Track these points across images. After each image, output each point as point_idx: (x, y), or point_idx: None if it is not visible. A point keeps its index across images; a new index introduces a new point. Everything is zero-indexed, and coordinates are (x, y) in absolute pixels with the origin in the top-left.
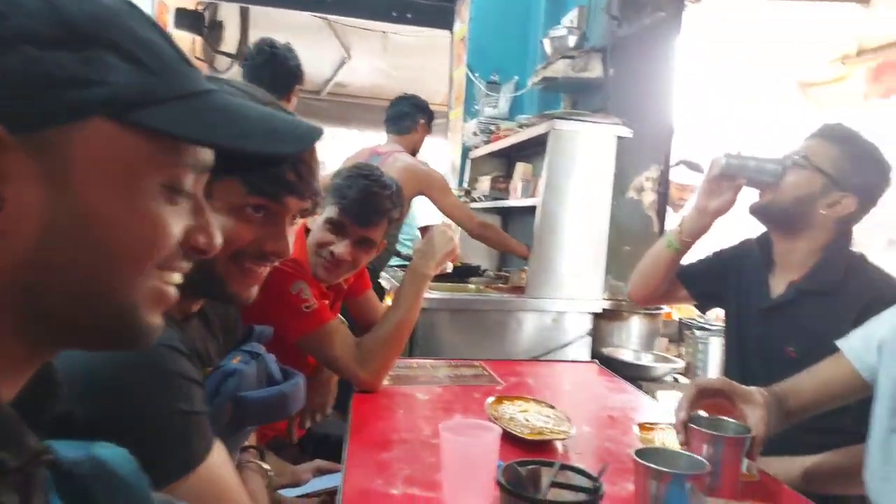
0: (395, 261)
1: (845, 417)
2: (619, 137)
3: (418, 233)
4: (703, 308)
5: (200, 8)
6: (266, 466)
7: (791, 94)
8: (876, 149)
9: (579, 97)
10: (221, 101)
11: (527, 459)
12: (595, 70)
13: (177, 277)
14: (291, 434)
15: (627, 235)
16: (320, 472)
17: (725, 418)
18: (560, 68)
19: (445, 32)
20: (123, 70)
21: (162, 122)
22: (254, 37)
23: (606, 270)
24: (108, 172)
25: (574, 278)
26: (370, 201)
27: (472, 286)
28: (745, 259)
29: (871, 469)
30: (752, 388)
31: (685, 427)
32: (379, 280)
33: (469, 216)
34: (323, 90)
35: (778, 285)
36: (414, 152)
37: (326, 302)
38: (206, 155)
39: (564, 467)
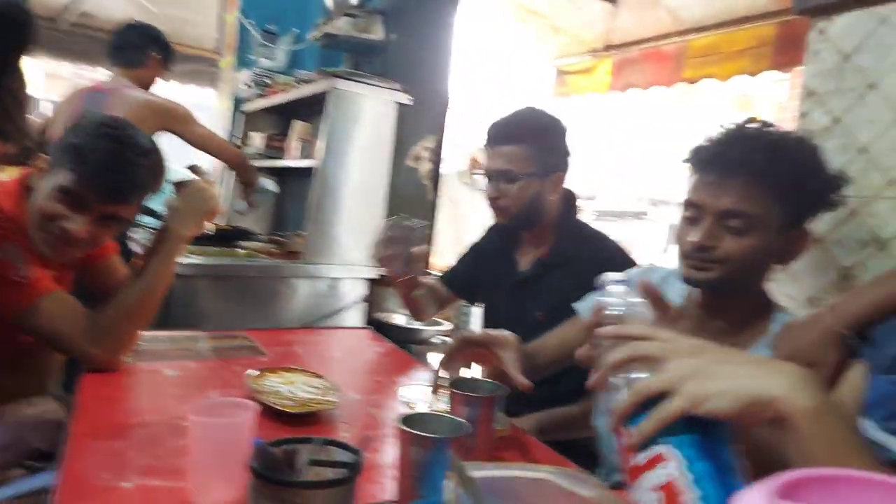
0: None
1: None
2: (400, 104)
3: (171, 188)
4: (474, 302)
5: None
6: None
7: (551, 79)
8: (549, 120)
9: (361, 58)
10: None
11: (282, 438)
12: (377, 32)
13: None
14: None
15: (404, 203)
16: (32, 470)
17: (482, 379)
18: (342, 26)
19: None
20: None
21: None
22: None
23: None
24: None
25: (351, 244)
26: (122, 172)
27: (242, 251)
28: (491, 243)
29: (599, 415)
30: (507, 334)
31: (438, 385)
32: (126, 241)
33: (224, 146)
34: (62, 18)
35: (525, 262)
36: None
37: (50, 272)
38: None
39: (326, 442)
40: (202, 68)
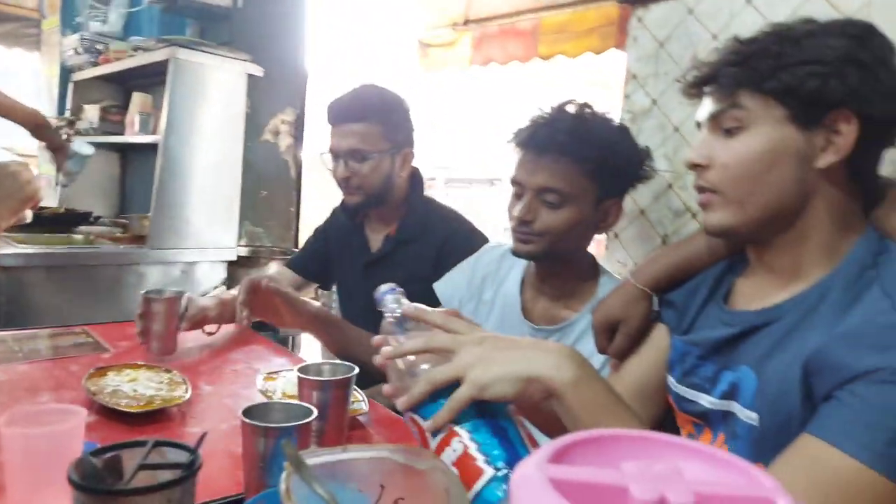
0: None
1: None
2: (250, 75)
3: None
4: (326, 286)
5: None
6: None
7: (412, 54)
8: (392, 97)
9: (207, 25)
10: None
11: (106, 445)
12: None
13: None
14: None
15: (264, 180)
16: None
17: (337, 362)
18: None
19: None
20: None
21: None
22: None
23: (242, 216)
24: None
25: (205, 225)
26: None
27: (79, 237)
28: (338, 224)
29: None
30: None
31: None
32: None
33: (12, 105)
34: None
35: (376, 240)
36: None
37: None
38: None
39: (159, 443)
40: (22, 29)
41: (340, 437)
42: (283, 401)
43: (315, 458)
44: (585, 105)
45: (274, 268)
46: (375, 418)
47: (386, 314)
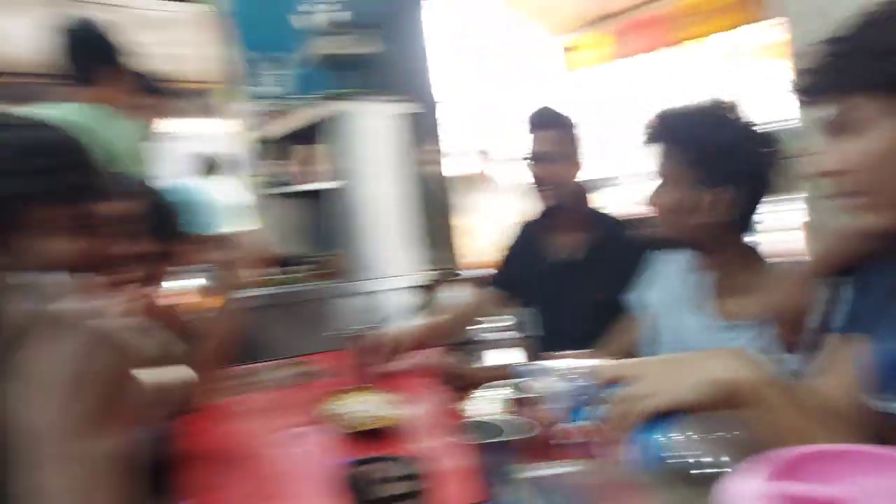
0: None
1: None
2: (406, 114)
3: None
4: (518, 299)
5: None
6: None
7: (553, 58)
8: (566, 112)
9: (361, 74)
10: None
11: (359, 458)
12: (369, 46)
13: None
14: None
15: (426, 207)
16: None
17: None
18: (339, 45)
19: (196, 6)
20: None
21: None
22: None
23: (422, 242)
24: None
25: (391, 255)
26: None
27: (297, 275)
28: (524, 237)
29: None
30: None
31: None
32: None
33: None
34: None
35: (567, 246)
36: None
37: None
38: None
39: (388, 458)
40: (213, 101)
41: (560, 452)
42: (501, 417)
43: (540, 471)
44: (715, 96)
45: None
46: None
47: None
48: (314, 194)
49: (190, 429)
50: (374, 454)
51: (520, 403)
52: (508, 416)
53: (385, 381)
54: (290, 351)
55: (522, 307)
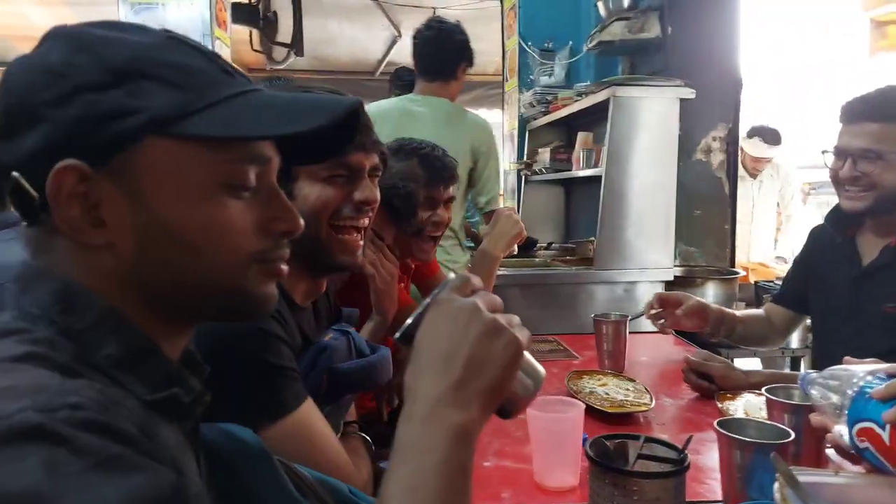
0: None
1: None
2: (682, 99)
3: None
4: (806, 312)
5: (254, 1)
6: (366, 437)
7: (863, 34)
8: None
9: (637, 59)
10: (257, 99)
11: (613, 433)
12: (652, 30)
13: (284, 260)
14: (382, 411)
15: (697, 199)
16: None
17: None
18: (616, 31)
19: (495, 2)
20: (159, 93)
21: (196, 128)
22: (307, 24)
23: (677, 237)
24: (168, 181)
25: (644, 247)
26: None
27: (538, 260)
28: (818, 245)
29: None
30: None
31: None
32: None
33: None
34: (377, 70)
35: (870, 252)
36: None
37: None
38: (261, 148)
39: (649, 440)
40: (487, 92)
41: (816, 462)
42: (756, 419)
43: (806, 476)
44: None
45: (710, 289)
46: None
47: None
48: (572, 181)
49: None
50: (626, 433)
51: (787, 410)
52: (768, 421)
53: (632, 369)
54: (538, 328)
55: (807, 317)
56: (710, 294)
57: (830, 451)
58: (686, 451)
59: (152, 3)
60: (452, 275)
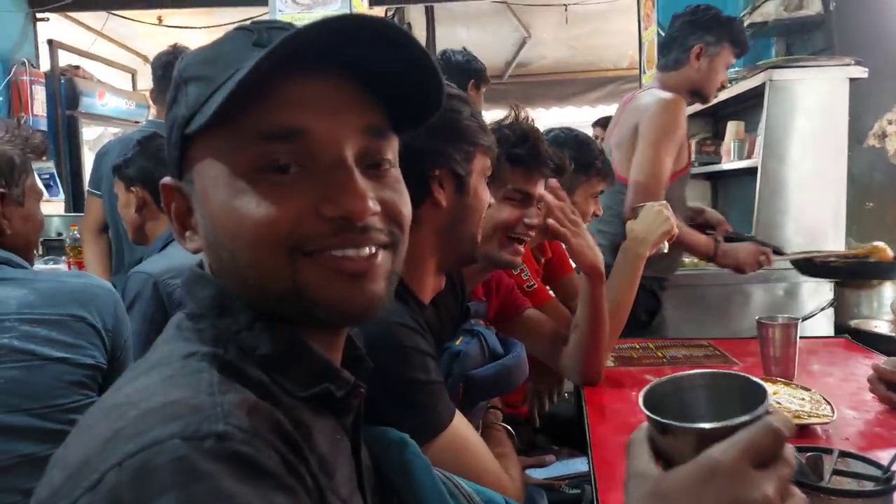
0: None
1: None
2: (852, 79)
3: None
4: None
5: (389, 14)
6: (509, 427)
7: None
8: None
9: (795, 40)
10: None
11: (801, 446)
12: (813, 6)
13: (365, 250)
14: (534, 416)
15: (869, 190)
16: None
17: None
18: (770, 10)
19: None
20: (190, 93)
21: (199, 121)
22: (440, 32)
23: (847, 232)
24: (209, 182)
25: (806, 244)
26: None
27: (686, 260)
28: None
29: None
30: None
31: None
32: None
33: None
34: (505, 73)
35: None
36: None
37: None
38: (284, 119)
39: (844, 454)
40: (623, 87)
41: None
42: None
43: None
44: None
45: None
46: None
47: None
48: (719, 175)
49: (593, 388)
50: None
51: None
52: None
53: (802, 377)
54: (689, 332)
55: None
56: (885, 295)
57: None
58: (892, 469)
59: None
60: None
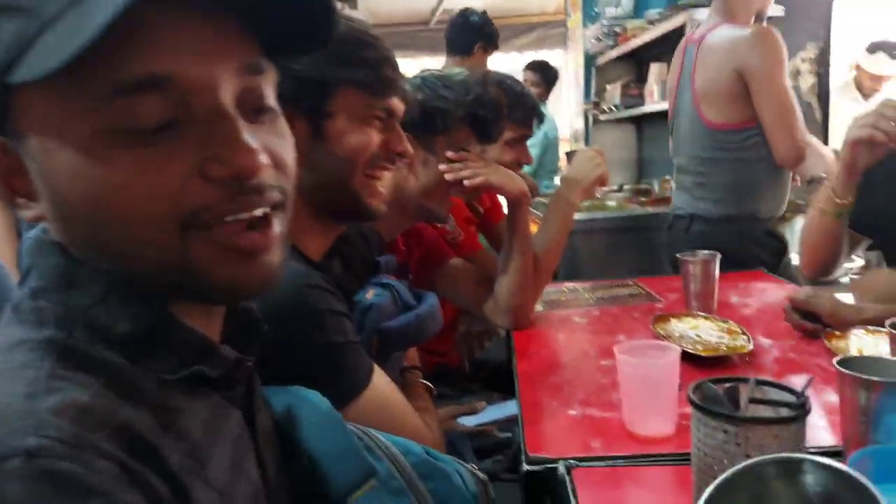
0: None
1: None
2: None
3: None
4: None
5: None
6: (428, 384)
7: None
8: None
9: None
10: None
11: (720, 377)
12: None
13: (258, 212)
14: (464, 363)
15: None
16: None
17: None
18: None
19: None
20: (5, 28)
21: (29, 70)
22: None
23: None
24: (48, 145)
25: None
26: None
27: (611, 203)
28: None
29: None
30: None
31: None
32: None
33: None
34: (431, 20)
35: None
36: None
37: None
38: (153, 65)
39: (761, 382)
40: (548, 31)
41: None
42: (879, 356)
43: None
44: None
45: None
46: None
47: None
48: (644, 119)
49: (522, 333)
50: (735, 375)
51: None
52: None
53: (722, 310)
54: (615, 273)
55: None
56: (797, 228)
57: None
58: (806, 394)
59: None
60: None
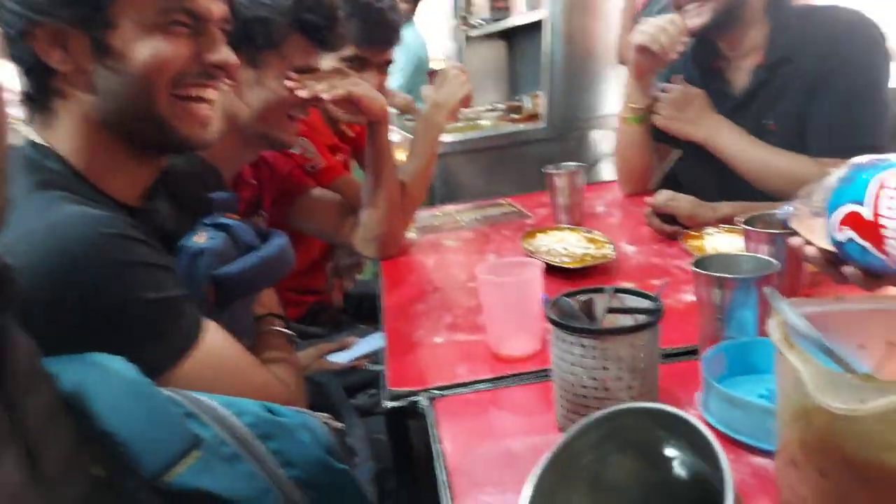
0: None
1: None
2: None
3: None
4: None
5: None
6: (287, 331)
7: None
8: None
9: None
10: None
11: (576, 289)
12: None
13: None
14: (335, 298)
15: None
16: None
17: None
18: None
19: None
20: None
21: None
22: None
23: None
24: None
25: (597, 97)
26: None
27: (484, 122)
28: (686, 73)
29: None
30: None
31: None
32: None
33: None
34: None
35: (739, 78)
36: None
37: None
38: None
39: (619, 291)
40: None
41: (797, 293)
42: (733, 253)
43: (805, 308)
44: None
45: None
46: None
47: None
48: (514, 32)
49: (392, 262)
50: (591, 286)
51: (766, 240)
52: (747, 253)
53: (589, 221)
54: (491, 193)
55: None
56: None
57: None
58: (660, 298)
59: None
60: None
